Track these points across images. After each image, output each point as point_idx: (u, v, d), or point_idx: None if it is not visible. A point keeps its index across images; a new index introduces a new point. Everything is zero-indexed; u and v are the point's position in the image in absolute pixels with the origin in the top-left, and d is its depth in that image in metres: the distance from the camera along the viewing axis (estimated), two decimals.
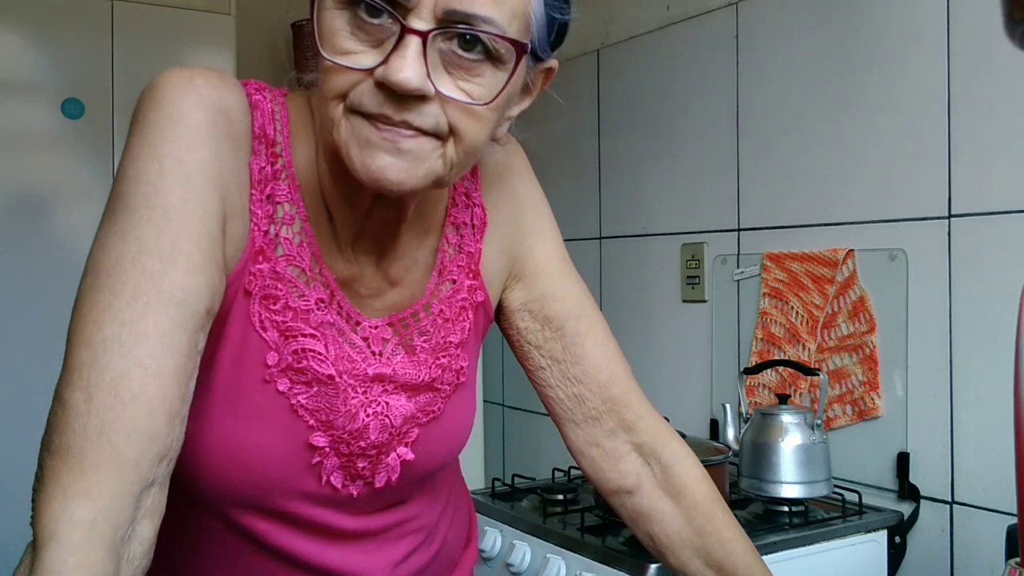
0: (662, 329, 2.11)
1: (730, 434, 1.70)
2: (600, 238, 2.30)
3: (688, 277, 2.04)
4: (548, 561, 1.46)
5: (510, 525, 1.58)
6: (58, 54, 2.32)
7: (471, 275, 0.85)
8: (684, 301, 2.05)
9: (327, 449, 0.76)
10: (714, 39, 1.98)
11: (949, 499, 1.53)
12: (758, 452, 1.57)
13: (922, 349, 1.57)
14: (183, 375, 0.63)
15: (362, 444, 0.78)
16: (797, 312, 1.78)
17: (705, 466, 1.52)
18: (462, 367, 0.85)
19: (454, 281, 0.84)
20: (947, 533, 1.53)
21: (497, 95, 0.68)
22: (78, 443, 0.59)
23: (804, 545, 1.45)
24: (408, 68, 0.63)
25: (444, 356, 0.83)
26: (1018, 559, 0.70)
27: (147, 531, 0.62)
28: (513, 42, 0.67)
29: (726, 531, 0.92)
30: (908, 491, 1.58)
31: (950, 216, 1.53)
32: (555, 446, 2.41)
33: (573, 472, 1.83)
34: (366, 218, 0.76)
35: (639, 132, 2.19)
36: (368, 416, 0.78)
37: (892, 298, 1.62)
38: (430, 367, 0.81)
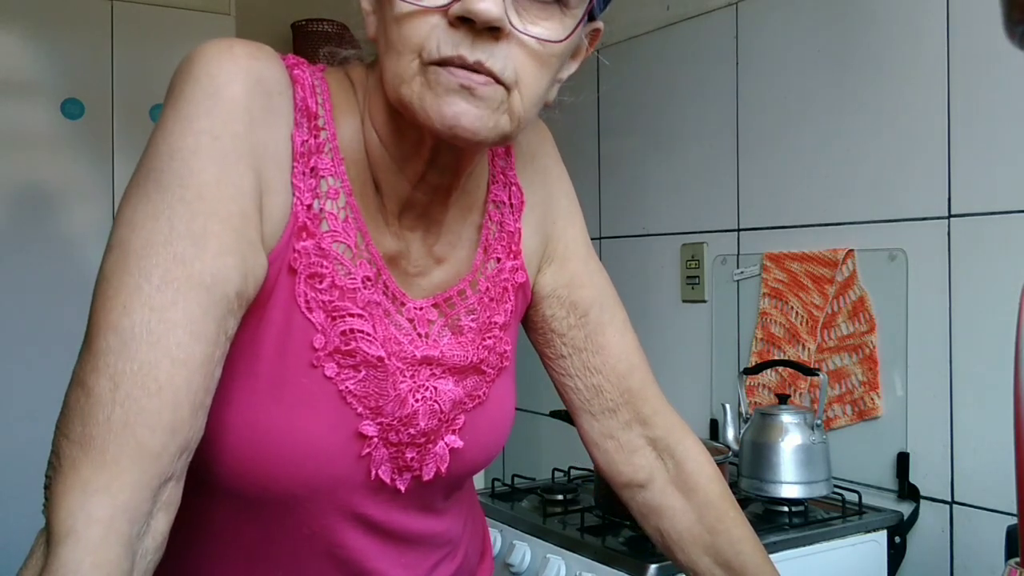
0: (662, 329, 2.11)
1: (730, 434, 1.70)
2: (600, 238, 2.30)
3: (688, 277, 2.04)
4: (548, 561, 1.46)
5: (510, 525, 1.58)
6: (58, 54, 2.32)
7: (512, 255, 0.84)
8: (684, 301, 2.05)
9: (376, 440, 0.74)
10: (714, 39, 1.98)
11: (949, 499, 1.53)
12: (758, 452, 1.57)
13: (922, 349, 1.57)
14: (209, 364, 0.62)
15: (411, 432, 0.76)
16: (797, 312, 1.78)
17: None
18: (505, 351, 0.83)
19: (498, 260, 0.83)
20: (947, 533, 1.53)
21: (570, 34, 0.68)
22: (101, 434, 0.57)
23: (804, 545, 1.45)
24: (492, 3, 0.63)
25: (490, 337, 0.81)
26: (1018, 559, 0.70)
27: (161, 525, 0.60)
28: None
29: (736, 530, 0.91)
30: (908, 491, 1.58)
31: (950, 216, 1.53)
32: (555, 446, 2.41)
33: (573, 472, 1.83)
34: (417, 186, 0.74)
35: (639, 132, 2.19)
36: (417, 402, 0.76)
37: (892, 298, 1.62)
38: (477, 348, 0.80)
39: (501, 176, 0.85)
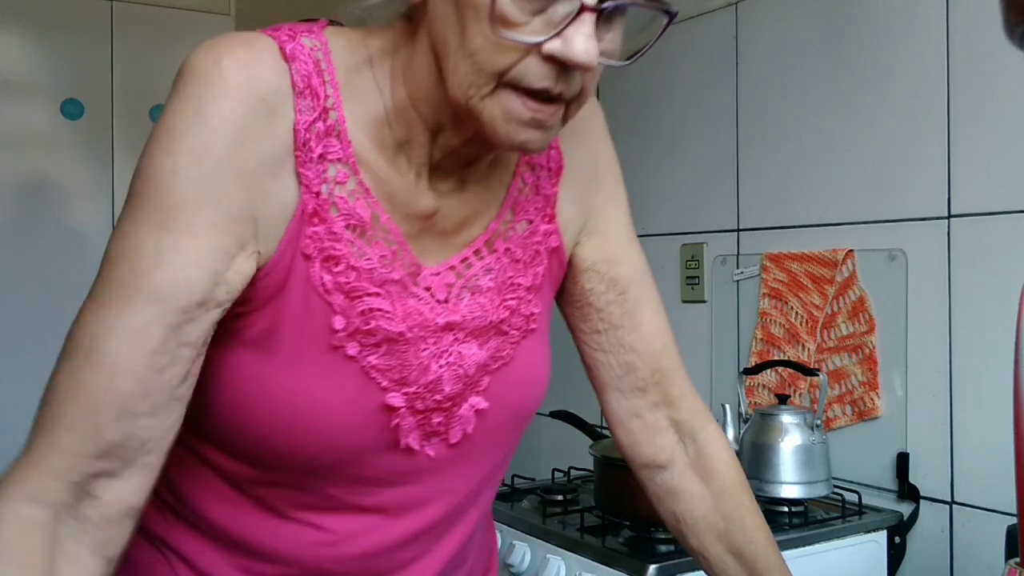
0: None
1: (730, 434, 1.70)
2: None
3: (688, 277, 2.04)
4: (548, 561, 1.46)
5: (510, 525, 1.58)
6: (58, 54, 2.32)
7: (547, 219, 0.84)
8: (684, 301, 2.05)
9: (403, 410, 0.74)
10: (714, 39, 1.98)
11: (949, 499, 1.53)
12: (758, 452, 1.57)
13: (922, 349, 1.57)
14: (149, 371, 0.64)
15: (437, 398, 0.76)
16: (797, 312, 1.78)
17: None
18: (533, 313, 0.82)
19: (530, 222, 0.83)
20: (947, 533, 1.53)
21: (642, 52, 0.68)
22: (33, 432, 0.64)
23: (804, 545, 1.45)
24: (590, 45, 0.63)
25: (511, 297, 0.80)
26: (1018, 559, 0.70)
27: (103, 506, 0.65)
28: (667, 12, 0.67)
29: (750, 519, 0.91)
30: (908, 491, 1.58)
31: (949, 216, 1.53)
32: (555, 446, 2.41)
33: (573, 472, 1.83)
34: (448, 155, 0.74)
35: (639, 132, 2.19)
36: (441, 367, 0.76)
37: (892, 298, 1.62)
38: (497, 308, 0.79)
39: None
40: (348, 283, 0.71)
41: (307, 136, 0.69)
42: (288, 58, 0.69)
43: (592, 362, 0.92)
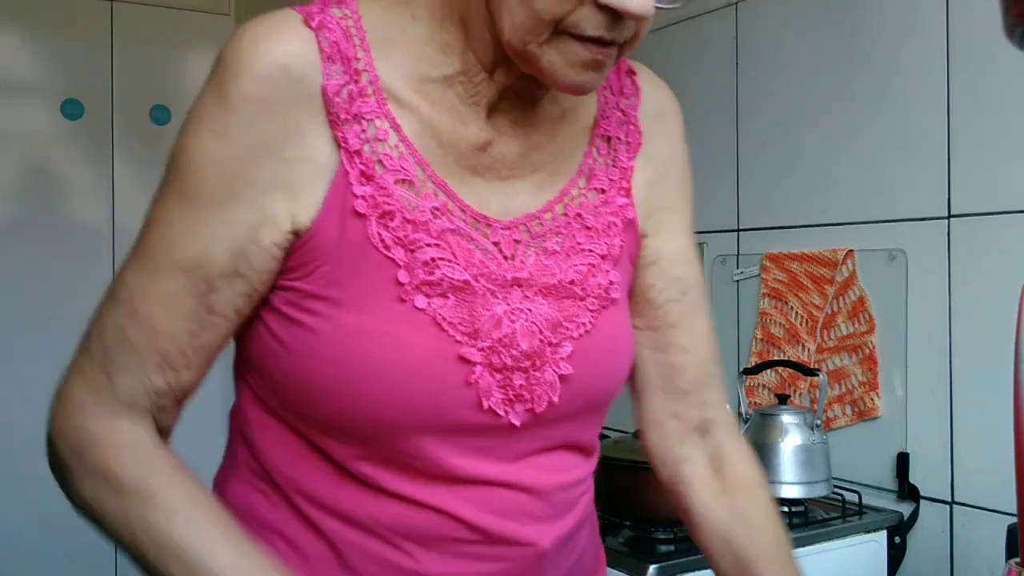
0: None
1: None
2: None
3: None
4: None
5: None
6: (58, 54, 2.32)
7: (623, 192, 0.84)
8: None
9: (480, 366, 0.74)
10: (714, 39, 1.98)
11: (949, 499, 1.53)
12: (758, 452, 1.54)
13: (921, 349, 1.57)
14: (182, 334, 0.72)
15: (514, 354, 0.75)
16: (797, 312, 1.78)
17: None
18: (611, 282, 0.81)
19: (603, 191, 0.83)
20: (947, 533, 1.53)
21: None
22: (91, 364, 0.73)
23: (804, 545, 1.45)
24: None
25: (583, 263, 0.80)
26: (1018, 559, 0.70)
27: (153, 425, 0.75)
28: None
29: (758, 520, 0.90)
30: (908, 491, 1.58)
31: (949, 216, 1.53)
32: None
33: None
34: (504, 93, 0.76)
35: None
36: (513, 322, 0.75)
37: (892, 298, 1.62)
38: (565, 270, 0.79)
39: (618, 114, 0.86)
40: (407, 236, 0.72)
41: (338, 98, 0.71)
42: (314, 27, 0.72)
43: (640, 360, 0.90)
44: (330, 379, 0.71)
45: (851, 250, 1.69)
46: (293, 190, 0.71)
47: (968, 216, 1.51)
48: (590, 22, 0.67)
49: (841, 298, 1.70)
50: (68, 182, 2.33)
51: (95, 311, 0.74)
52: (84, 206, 2.33)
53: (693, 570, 1.33)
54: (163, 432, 0.75)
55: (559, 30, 0.67)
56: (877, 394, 1.63)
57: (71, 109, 2.32)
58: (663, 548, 1.39)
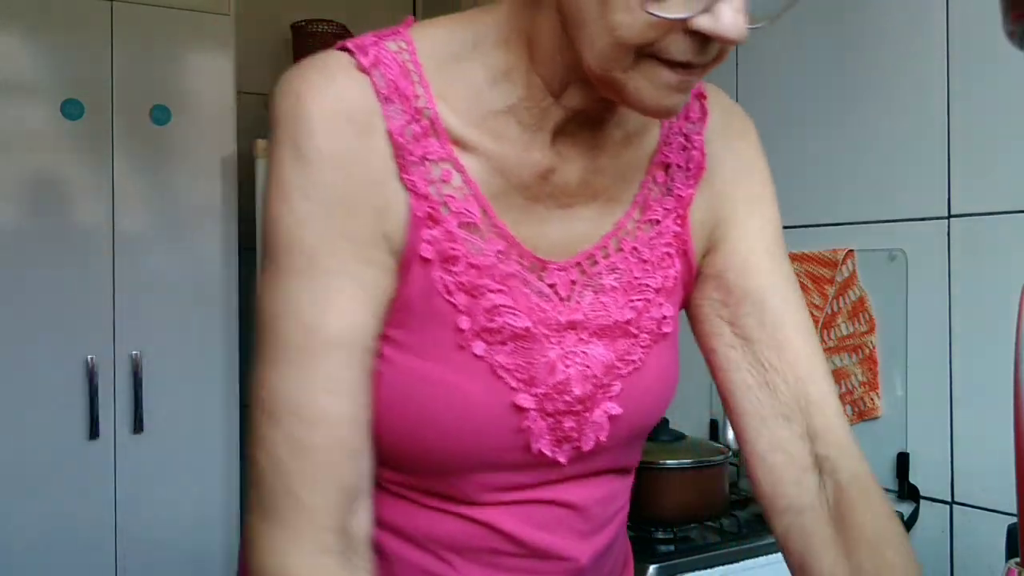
0: None
1: (730, 434, 1.70)
2: None
3: None
4: None
5: None
6: (58, 54, 2.32)
7: (678, 220, 0.81)
8: None
9: (533, 412, 0.73)
10: None
11: (949, 499, 1.53)
12: None
13: (921, 349, 1.57)
14: (358, 411, 0.68)
15: (567, 399, 0.74)
16: None
17: (705, 467, 1.53)
18: (664, 316, 0.80)
19: (657, 222, 0.80)
20: (947, 533, 1.53)
21: (783, 11, 0.65)
22: (269, 500, 0.67)
23: None
24: (739, 20, 0.61)
25: (638, 299, 0.78)
26: (1018, 559, 0.69)
27: (361, 528, 0.69)
28: None
29: (887, 572, 0.77)
30: (908, 491, 1.58)
31: (949, 216, 1.53)
32: None
33: None
34: (573, 116, 0.72)
35: None
36: (568, 367, 0.74)
37: (892, 298, 1.62)
38: (621, 308, 0.77)
39: (681, 139, 0.82)
40: (470, 281, 0.71)
41: (403, 140, 0.69)
42: (366, 69, 0.69)
43: (729, 386, 0.84)
44: (383, 419, 0.71)
45: (851, 250, 1.69)
46: (389, 238, 0.69)
47: (968, 216, 1.51)
48: (679, 47, 0.63)
49: (841, 298, 1.70)
50: (68, 182, 2.33)
51: (252, 438, 0.68)
52: (84, 206, 2.33)
53: (693, 570, 1.33)
54: (364, 541, 0.70)
55: (644, 54, 0.64)
56: (877, 394, 1.63)
57: (71, 109, 2.32)
58: (663, 548, 1.39)
